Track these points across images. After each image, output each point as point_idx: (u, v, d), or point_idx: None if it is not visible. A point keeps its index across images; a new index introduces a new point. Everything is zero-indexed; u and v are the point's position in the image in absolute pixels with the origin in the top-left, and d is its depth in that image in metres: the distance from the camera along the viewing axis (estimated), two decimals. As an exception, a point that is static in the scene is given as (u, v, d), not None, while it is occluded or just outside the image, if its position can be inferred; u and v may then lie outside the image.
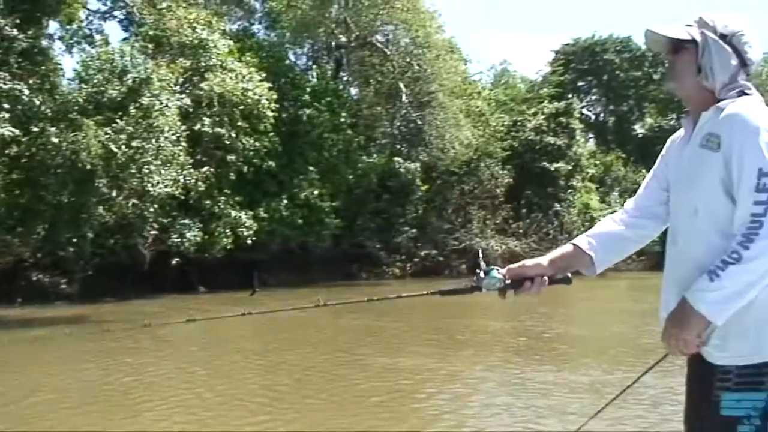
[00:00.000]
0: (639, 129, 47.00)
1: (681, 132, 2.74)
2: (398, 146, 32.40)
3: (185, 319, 4.27)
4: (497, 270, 2.71)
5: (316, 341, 13.45)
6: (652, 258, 35.20)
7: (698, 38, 2.57)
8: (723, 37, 2.56)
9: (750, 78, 2.66)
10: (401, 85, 30.02)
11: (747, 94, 2.55)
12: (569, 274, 2.81)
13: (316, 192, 26.21)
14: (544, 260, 2.79)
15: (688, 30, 2.60)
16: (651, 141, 45.33)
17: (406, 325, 15.60)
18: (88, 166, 18.25)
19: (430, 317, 16.95)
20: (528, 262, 2.79)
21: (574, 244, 2.82)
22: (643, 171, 40.64)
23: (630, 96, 47.57)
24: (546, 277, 2.74)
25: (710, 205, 2.48)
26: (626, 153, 42.17)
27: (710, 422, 2.51)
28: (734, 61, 2.56)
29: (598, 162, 39.41)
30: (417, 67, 30.07)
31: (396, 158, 30.12)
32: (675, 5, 76.58)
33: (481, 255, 2.90)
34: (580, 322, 15.81)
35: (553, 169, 33.37)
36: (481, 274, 2.69)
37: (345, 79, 33.45)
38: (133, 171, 19.10)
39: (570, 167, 34.31)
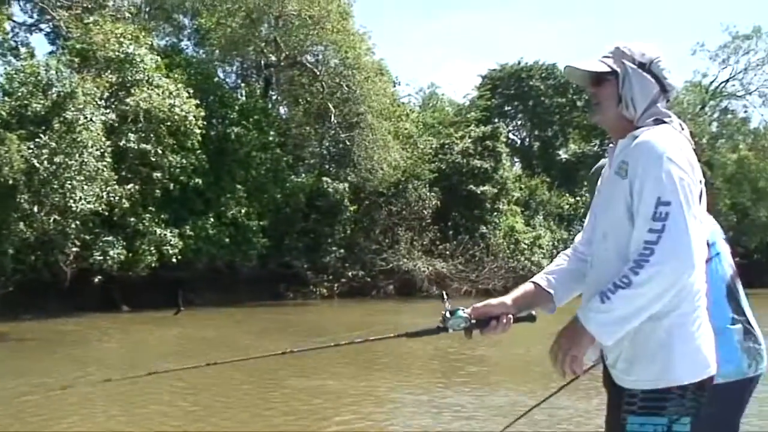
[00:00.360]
0: (563, 154, 47.85)
1: (607, 162, 2.79)
2: (327, 166, 32.45)
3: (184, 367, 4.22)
4: (462, 310, 2.74)
5: (238, 362, 13.34)
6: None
7: (618, 69, 2.62)
8: (642, 65, 2.62)
9: (671, 105, 2.73)
10: (330, 105, 30.07)
11: (664, 122, 2.59)
12: (533, 312, 2.86)
13: (243, 211, 26.02)
14: (507, 299, 2.83)
15: (607, 62, 2.64)
16: (574, 166, 46.31)
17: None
18: (10, 181, 17.83)
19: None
20: (492, 301, 2.83)
21: (534, 282, 2.87)
22: (567, 195, 41.59)
23: (554, 122, 48.41)
24: (511, 316, 2.78)
25: (617, 231, 2.54)
26: (551, 177, 42.93)
27: None
28: (655, 89, 2.61)
29: (523, 186, 40.02)
30: (346, 88, 30.16)
31: (324, 178, 30.12)
32: (599, 35, 78.74)
33: (446, 296, 2.91)
34: (504, 344, 15.93)
35: (479, 192, 33.75)
36: (447, 315, 2.72)
37: (274, 98, 33.41)
38: (56, 186, 18.70)
39: (496, 190, 34.75)
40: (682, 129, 2.63)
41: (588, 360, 2.62)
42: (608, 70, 2.63)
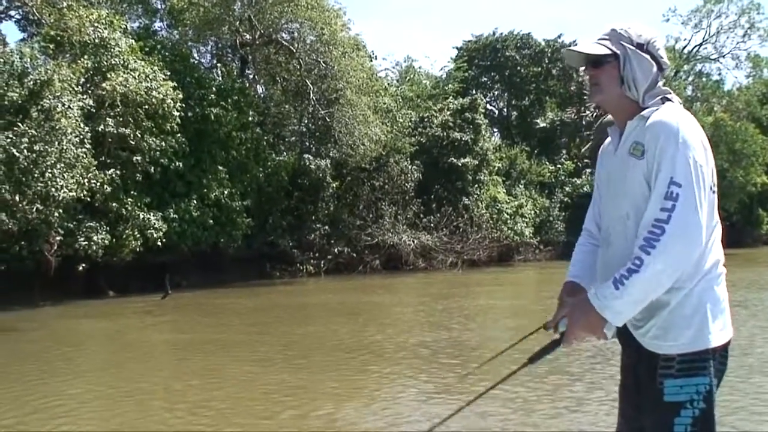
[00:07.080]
0: (541, 122, 48.03)
1: (608, 141, 2.84)
2: (308, 143, 32.37)
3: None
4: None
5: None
6: (559, 248, 36.23)
7: (618, 51, 2.65)
8: (640, 46, 2.66)
9: (667, 82, 2.76)
10: (308, 82, 29.89)
11: (669, 100, 2.66)
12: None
13: (226, 192, 25.90)
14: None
15: (605, 44, 2.67)
16: (552, 134, 46.61)
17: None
18: (-10, 172, 17.65)
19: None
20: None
21: (569, 281, 2.94)
22: (546, 163, 41.79)
23: (531, 91, 48.52)
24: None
25: (639, 210, 2.58)
26: (530, 146, 43.11)
27: (651, 409, 2.63)
28: (653, 68, 2.66)
29: (503, 156, 40.13)
30: (323, 65, 29.99)
31: (306, 155, 30.08)
32: (573, 3, 78.54)
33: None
34: (484, 324, 15.32)
35: (460, 164, 33.84)
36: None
37: (251, 77, 33.15)
38: (37, 175, 18.51)
39: (477, 162, 34.84)
40: (682, 108, 2.68)
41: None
42: (609, 52, 2.68)
